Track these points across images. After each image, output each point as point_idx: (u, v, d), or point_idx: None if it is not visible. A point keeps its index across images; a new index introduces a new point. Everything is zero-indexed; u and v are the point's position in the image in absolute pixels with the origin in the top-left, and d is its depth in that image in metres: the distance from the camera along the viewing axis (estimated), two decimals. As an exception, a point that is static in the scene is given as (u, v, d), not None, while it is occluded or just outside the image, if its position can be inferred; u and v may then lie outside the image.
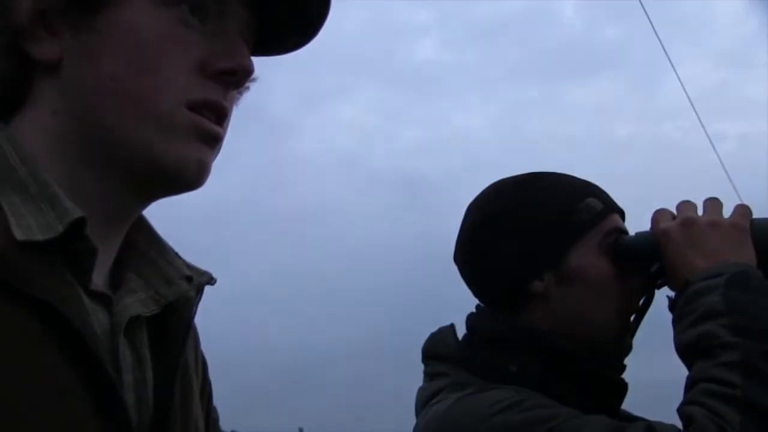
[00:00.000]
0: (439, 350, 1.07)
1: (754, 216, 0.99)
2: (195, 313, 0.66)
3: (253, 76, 0.67)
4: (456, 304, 1.18)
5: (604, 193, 1.08)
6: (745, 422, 0.81)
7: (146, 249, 0.67)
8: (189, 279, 0.66)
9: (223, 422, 0.81)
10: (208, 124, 0.60)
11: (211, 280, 0.68)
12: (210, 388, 0.76)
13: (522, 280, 1.02)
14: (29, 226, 0.53)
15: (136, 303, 0.61)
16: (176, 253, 0.68)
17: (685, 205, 1.00)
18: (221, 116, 0.62)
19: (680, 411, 0.88)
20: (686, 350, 0.92)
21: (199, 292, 0.67)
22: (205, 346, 0.75)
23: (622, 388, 1.03)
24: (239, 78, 0.62)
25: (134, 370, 0.59)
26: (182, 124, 0.59)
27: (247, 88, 0.67)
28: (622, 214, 1.09)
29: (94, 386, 0.51)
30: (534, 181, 1.08)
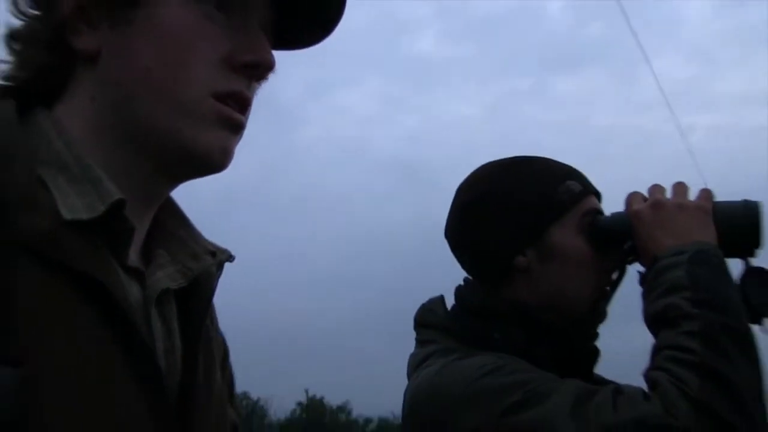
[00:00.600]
0: (429, 319, 1.12)
1: (717, 199, 1.05)
2: (215, 287, 0.69)
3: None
4: (447, 278, 1.24)
5: (583, 176, 1.14)
6: (703, 385, 0.86)
7: (173, 227, 0.69)
8: (213, 254, 0.69)
9: (236, 383, 0.83)
10: (233, 113, 0.63)
11: (230, 258, 0.71)
12: (231, 372, 0.79)
13: (507, 256, 1.08)
14: (74, 206, 0.56)
15: (165, 277, 0.64)
16: (203, 237, 0.71)
17: (656, 189, 1.06)
18: (244, 106, 0.64)
19: (646, 376, 0.94)
20: (653, 320, 0.98)
21: (220, 268, 0.70)
22: (222, 316, 0.78)
23: (594, 354, 1.10)
24: (261, 71, 0.64)
25: (164, 339, 0.62)
26: (209, 112, 0.61)
27: (266, 78, 0.69)
28: (598, 195, 1.14)
29: (133, 353, 0.55)
30: (519, 165, 1.13)
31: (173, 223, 0.69)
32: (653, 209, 1.03)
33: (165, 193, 0.68)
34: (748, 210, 1.03)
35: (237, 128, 0.64)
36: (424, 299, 1.18)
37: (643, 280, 1.03)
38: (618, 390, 0.92)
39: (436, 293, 1.19)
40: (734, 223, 1.02)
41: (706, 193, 1.05)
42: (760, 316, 1.02)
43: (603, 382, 1.06)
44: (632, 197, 1.08)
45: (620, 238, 1.08)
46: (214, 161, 0.63)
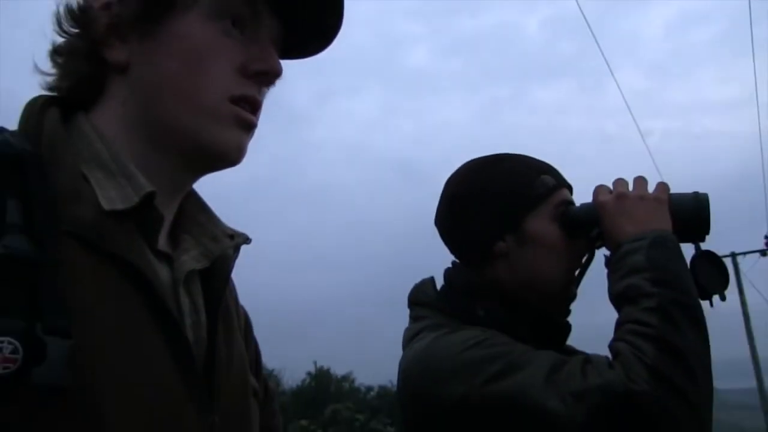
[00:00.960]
0: (420, 298, 1.20)
1: (672, 191, 1.14)
2: (233, 267, 0.75)
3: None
4: (436, 259, 1.31)
5: (556, 171, 1.22)
6: (658, 354, 0.94)
7: (196, 214, 0.75)
8: (231, 237, 0.74)
9: None
10: (246, 114, 0.69)
11: (247, 240, 0.76)
12: (255, 344, 0.87)
13: (489, 242, 1.16)
14: (112, 198, 0.62)
15: (190, 260, 0.70)
16: (221, 221, 0.77)
17: (619, 182, 1.15)
18: (256, 108, 0.71)
19: (610, 346, 1.01)
20: (617, 298, 1.06)
21: (237, 250, 0.76)
22: (242, 295, 0.84)
23: (566, 328, 1.19)
24: (270, 77, 0.71)
25: (192, 314, 0.68)
26: (225, 114, 0.68)
27: (274, 84, 0.74)
28: (570, 188, 1.23)
29: (164, 327, 0.61)
30: (500, 161, 1.22)
31: (195, 210, 0.76)
32: (617, 200, 1.12)
33: (189, 185, 0.74)
34: (697, 201, 1.12)
35: (250, 127, 0.71)
36: (417, 280, 1.26)
37: (608, 262, 1.11)
38: (587, 359, 0.99)
39: (427, 273, 1.26)
40: (686, 213, 1.11)
41: (662, 186, 1.14)
42: (709, 293, 1.11)
43: (574, 352, 1.13)
44: (599, 190, 1.16)
45: (588, 226, 1.16)
46: (230, 157, 0.70)
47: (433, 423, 1.05)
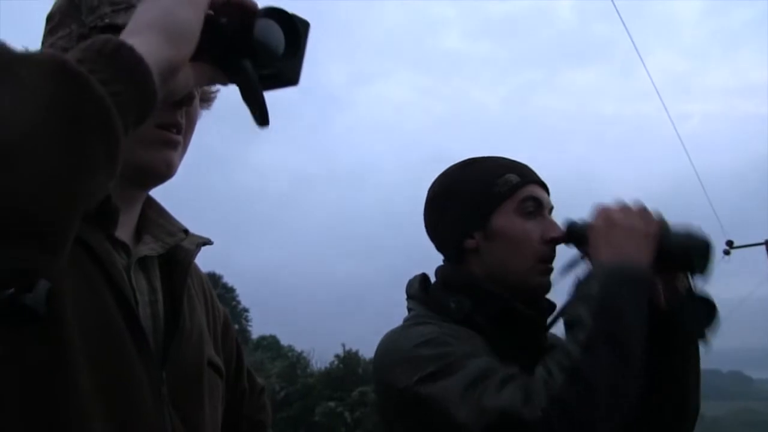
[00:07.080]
0: (410, 292, 1.29)
1: (669, 225, 1.13)
2: (192, 259, 0.90)
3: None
4: None
5: (526, 169, 1.27)
6: (566, 386, 0.94)
7: (156, 218, 0.90)
8: (186, 232, 0.90)
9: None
10: (170, 136, 0.82)
11: (207, 242, 0.93)
12: (236, 341, 1.01)
13: (459, 239, 1.24)
14: None
15: (146, 249, 0.84)
16: (177, 221, 0.92)
17: (622, 209, 1.15)
18: (179, 129, 0.84)
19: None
20: (565, 323, 1.07)
21: (198, 247, 0.91)
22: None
23: (537, 322, 1.21)
24: (186, 101, 0.83)
25: (148, 293, 0.81)
26: (152, 138, 0.81)
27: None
28: (542, 184, 1.27)
29: (117, 296, 0.73)
30: (470, 164, 1.30)
31: (156, 216, 0.91)
32: (606, 226, 1.13)
33: (140, 196, 0.88)
34: (690, 240, 1.11)
35: (176, 145, 0.84)
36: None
37: (574, 286, 1.12)
38: (511, 376, 0.99)
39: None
40: (673, 251, 1.11)
41: (656, 221, 1.13)
42: (693, 334, 1.12)
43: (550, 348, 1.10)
44: (598, 211, 1.17)
45: (582, 243, 1.18)
46: (161, 173, 0.84)
47: (387, 406, 1.15)
